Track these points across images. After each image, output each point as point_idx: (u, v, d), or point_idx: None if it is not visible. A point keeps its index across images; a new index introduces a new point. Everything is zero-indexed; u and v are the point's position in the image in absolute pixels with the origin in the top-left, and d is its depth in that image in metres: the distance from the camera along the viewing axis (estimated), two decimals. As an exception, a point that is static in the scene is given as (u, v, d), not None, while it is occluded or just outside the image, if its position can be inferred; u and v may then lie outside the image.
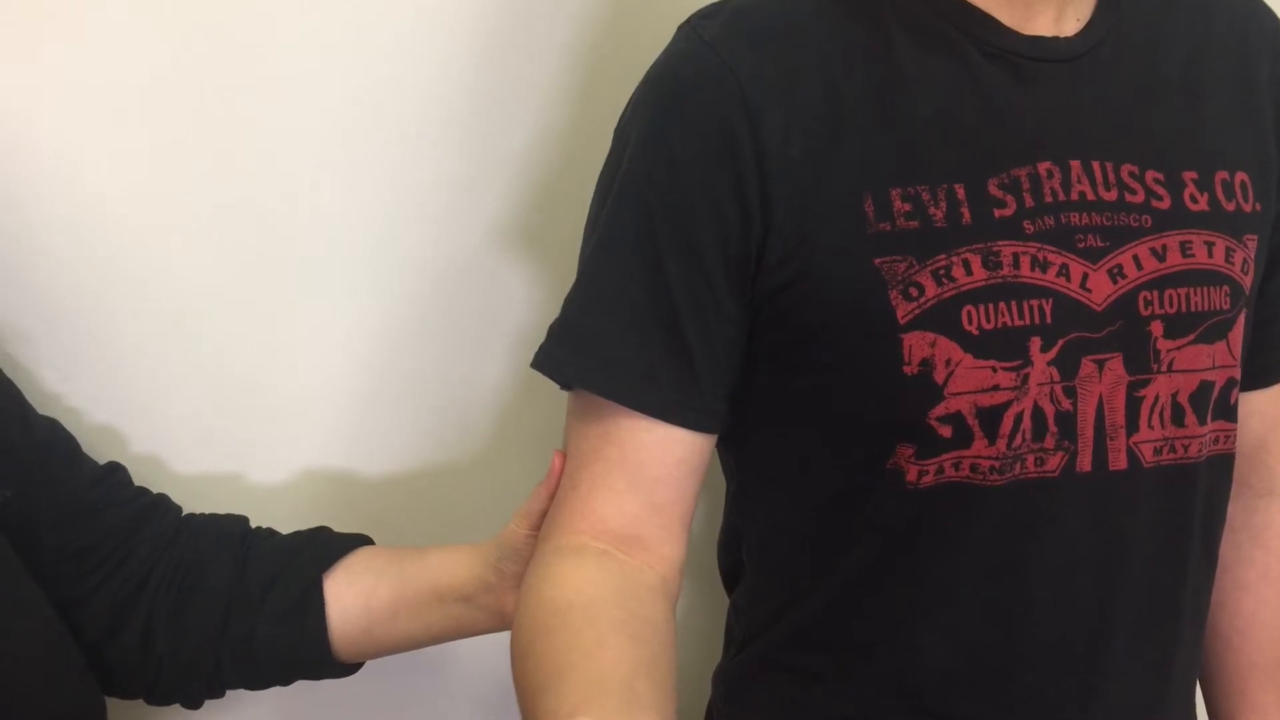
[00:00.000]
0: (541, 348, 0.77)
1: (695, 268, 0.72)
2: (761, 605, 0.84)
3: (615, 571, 0.73)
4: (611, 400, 0.73)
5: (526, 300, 0.99)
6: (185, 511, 0.89)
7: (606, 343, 0.74)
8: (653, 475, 0.74)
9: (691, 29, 0.75)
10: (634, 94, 0.77)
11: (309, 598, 0.84)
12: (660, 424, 0.73)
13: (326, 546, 0.87)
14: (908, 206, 0.71)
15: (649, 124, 0.74)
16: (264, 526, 0.89)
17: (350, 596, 0.85)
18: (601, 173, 0.77)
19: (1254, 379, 0.84)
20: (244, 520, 0.89)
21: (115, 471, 0.87)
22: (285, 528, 0.90)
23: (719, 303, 0.73)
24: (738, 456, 0.84)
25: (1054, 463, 0.73)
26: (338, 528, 0.91)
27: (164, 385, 0.95)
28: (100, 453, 0.89)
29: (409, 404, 1.01)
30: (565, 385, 0.77)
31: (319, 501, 1.00)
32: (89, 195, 0.90)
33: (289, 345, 0.97)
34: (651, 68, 0.76)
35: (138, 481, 0.89)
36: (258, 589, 0.84)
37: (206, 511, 0.89)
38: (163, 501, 0.88)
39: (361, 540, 0.88)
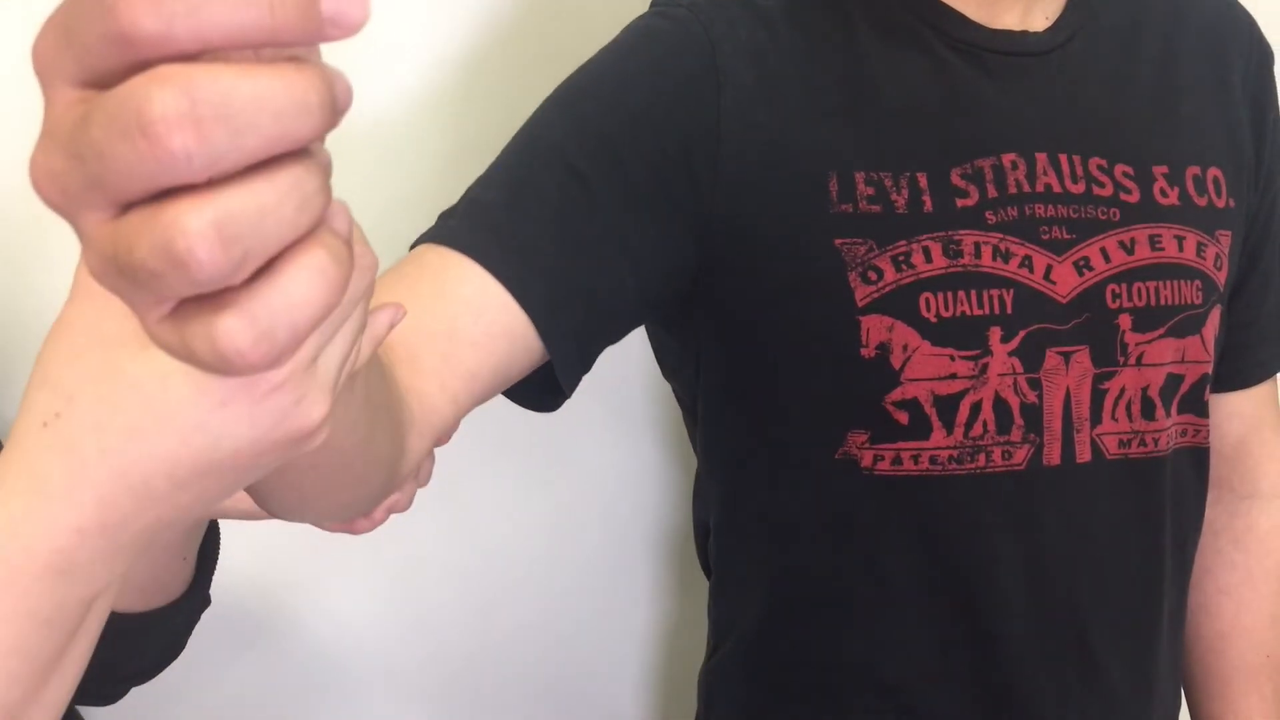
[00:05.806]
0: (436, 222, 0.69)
1: (618, 185, 0.68)
2: (729, 604, 0.83)
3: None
4: (482, 266, 0.64)
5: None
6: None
7: (502, 219, 0.67)
8: (466, 303, 0.64)
9: None
10: None
11: None
12: (508, 294, 0.64)
13: None
14: (871, 190, 0.70)
15: (612, 50, 0.73)
16: None
17: None
18: None
19: (1232, 380, 0.84)
20: None
21: None
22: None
23: (625, 234, 0.68)
24: (699, 438, 0.82)
25: (1021, 455, 0.72)
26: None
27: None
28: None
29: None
30: (449, 245, 0.66)
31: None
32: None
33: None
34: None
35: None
36: None
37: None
38: None
39: None
